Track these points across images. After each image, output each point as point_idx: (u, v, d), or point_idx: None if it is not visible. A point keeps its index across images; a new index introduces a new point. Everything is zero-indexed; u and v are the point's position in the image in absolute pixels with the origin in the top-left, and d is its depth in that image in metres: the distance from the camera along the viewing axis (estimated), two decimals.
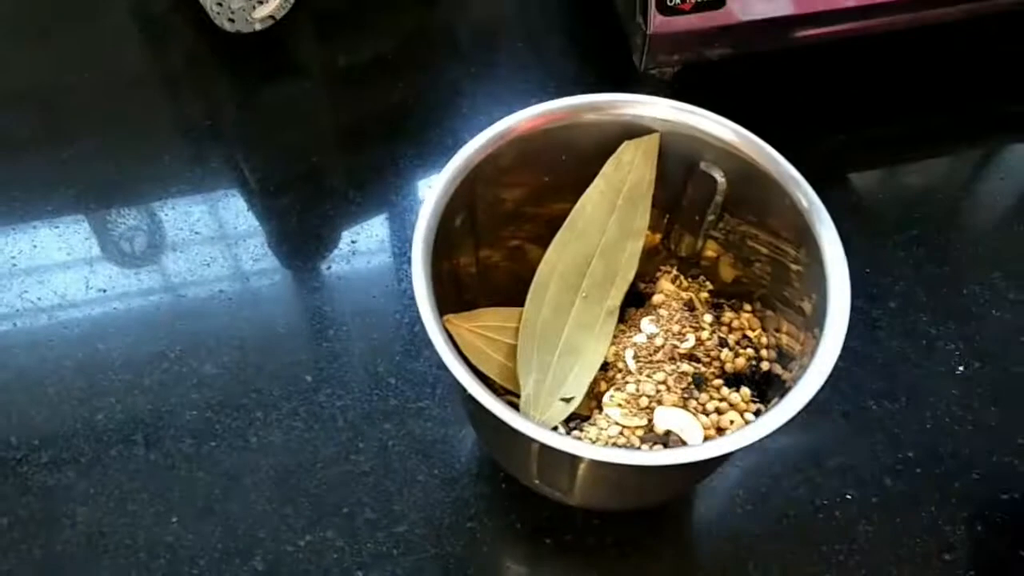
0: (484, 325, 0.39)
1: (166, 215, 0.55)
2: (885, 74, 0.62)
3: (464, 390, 0.33)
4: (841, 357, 0.51)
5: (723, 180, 0.40)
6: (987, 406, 0.49)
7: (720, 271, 0.44)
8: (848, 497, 0.47)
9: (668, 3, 0.51)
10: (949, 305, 0.53)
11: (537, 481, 0.39)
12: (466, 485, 0.47)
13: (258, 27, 0.58)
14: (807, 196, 0.38)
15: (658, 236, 0.44)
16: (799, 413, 0.35)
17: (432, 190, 0.37)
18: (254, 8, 0.56)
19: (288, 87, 0.61)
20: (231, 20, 0.57)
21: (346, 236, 0.54)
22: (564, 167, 0.41)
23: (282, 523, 0.45)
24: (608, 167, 0.40)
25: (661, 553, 0.45)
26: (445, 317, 0.37)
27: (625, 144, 0.40)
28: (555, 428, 0.39)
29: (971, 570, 0.45)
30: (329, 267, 0.53)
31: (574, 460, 0.34)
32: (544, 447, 0.32)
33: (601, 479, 0.36)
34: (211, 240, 0.54)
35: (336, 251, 0.54)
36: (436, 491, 0.46)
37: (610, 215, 0.41)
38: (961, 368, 0.51)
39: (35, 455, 0.47)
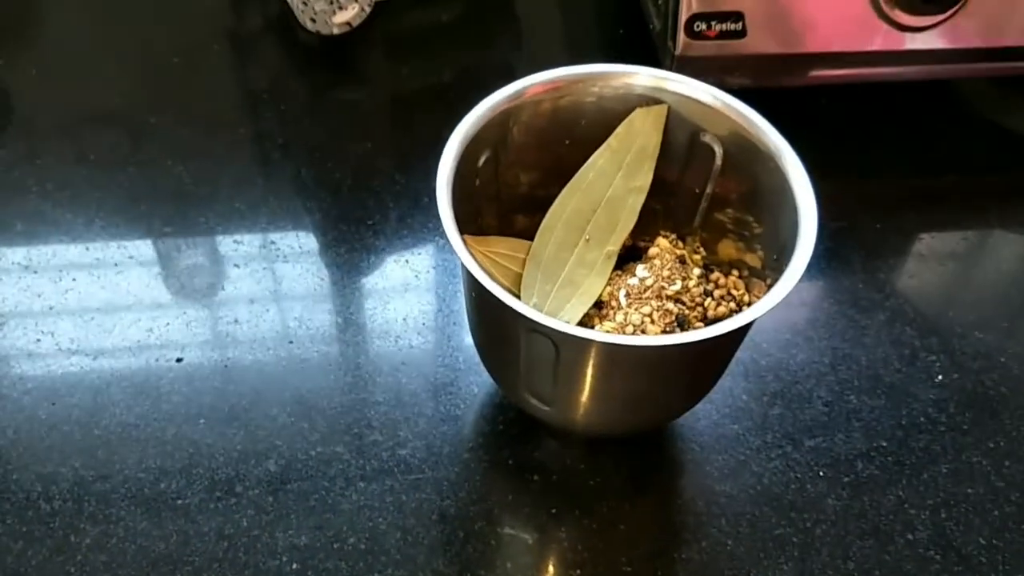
0: (495, 251, 0.45)
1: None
2: (906, 122, 0.68)
3: (468, 275, 0.38)
4: (828, 356, 0.55)
5: (721, 151, 0.45)
6: (961, 412, 0.53)
7: (718, 249, 0.49)
8: (820, 474, 0.50)
9: (695, 28, 0.57)
10: (935, 323, 0.56)
11: (526, 393, 0.43)
12: (468, 423, 0.51)
13: (336, 31, 0.66)
14: (790, 159, 0.42)
15: (659, 207, 0.49)
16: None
17: (458, 129, 0.43)
18: (334, 13, 0.64)
19: (352, 96, 0.68)
20: (312, 20, 0.65)
21: (394, 256, 0.59)
22: (579, 132, 0.47)
23: (298, 435, 0.50)
24: (620, 130, 0.46)
25: (638, 500, 0.49)
26: (462, 236, 0.42)
27: (636, 111, 0.46)
28: None
29: (931, 550, 0.47)
30: (374, 241, 0.59)
31: (557, 349, 0.39)
32: (530, 325, 0.37)
33: (582, 375, 0.40)
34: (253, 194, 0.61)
35: (382, 231, 0.60)
36: (440, 425, 0.51)
37: (617, 172, 0.46)
38: (940, 377, 0.54)
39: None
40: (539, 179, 0.48)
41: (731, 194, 0.47)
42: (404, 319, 0.55)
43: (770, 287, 0.40)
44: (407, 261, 0.58)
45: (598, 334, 0.37)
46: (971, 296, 0.59)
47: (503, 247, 0.45)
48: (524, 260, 0.45)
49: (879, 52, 0.62)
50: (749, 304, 0.46)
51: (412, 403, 0.51)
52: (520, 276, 0.45)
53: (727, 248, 0.49)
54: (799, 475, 0.50)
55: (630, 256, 0.48)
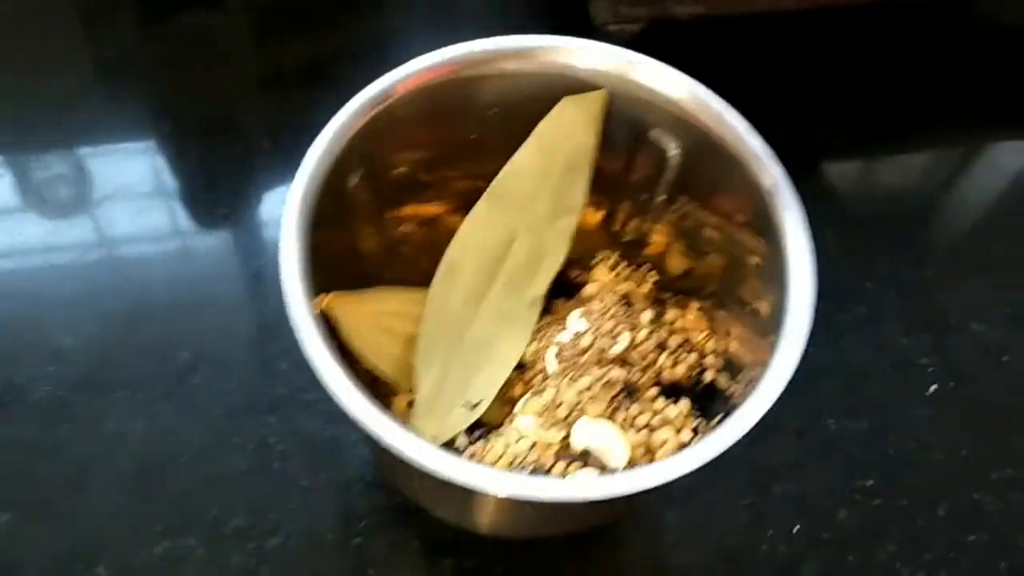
0: (379, 310, 0.33)
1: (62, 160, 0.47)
2: (876, 55, 0.56)
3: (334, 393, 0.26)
4: (799, 367, 0.45)
5: (676, 152, 0.34)
6: (960, 434, 0.44)
7: (669, 261, 0.38)
8: (795, 530, 0.41)
9: None
10: (925, 314, 0.47)
11: (435, 508, 0.33)
12: (357, 494, 0.40)
13: None
14: (772, 174, 0.31)
15: (599, 215, 0.37)
16: (744, 436, 0.28)
17: (315, 145, 0.31)
18: None
19: (208, 21, 0.54)
20: None
21: (252, 195, 0.47)
22: (489, 125, 0.34)
23: (136, 526, 0.38)
24: (542, 127, 0.34)
25: None
26: (329, 295, 0.30)
27: (564, 100, 0.33)
28: (453, 440, 0.32)
29: None
30: (227, 227, 0.46)
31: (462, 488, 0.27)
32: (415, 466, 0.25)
33: (499, 508, 0.30)
34: (104, 197, 0.47)
35: (235, 212, 0.47)
36: (321, 499, 0.40)
37: (542, 186, 0.34)
38: (934, 387, 0.45)
39: None
40: (436, 192, 0.36)
41: (690, 205, 0.35)
42: (267, 352, 0.43)
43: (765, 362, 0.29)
44: (272, 268, 0.45)
45: (501, 482, 0.25)
46: (961, 267, 0.49)
47: (391, 303, 0.33)
48: (421, 316, 0.33)
49: None
50: (714, 352, 0.35)
51: (283, 470, 0.40)
52: (416, 339, 0.33)
53: (680, 261, 0.37)
54: (770, 532, 0.40)
55: (557, 289, 0.36)
